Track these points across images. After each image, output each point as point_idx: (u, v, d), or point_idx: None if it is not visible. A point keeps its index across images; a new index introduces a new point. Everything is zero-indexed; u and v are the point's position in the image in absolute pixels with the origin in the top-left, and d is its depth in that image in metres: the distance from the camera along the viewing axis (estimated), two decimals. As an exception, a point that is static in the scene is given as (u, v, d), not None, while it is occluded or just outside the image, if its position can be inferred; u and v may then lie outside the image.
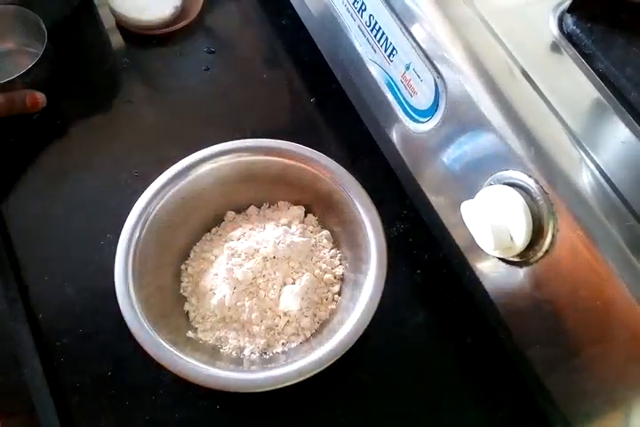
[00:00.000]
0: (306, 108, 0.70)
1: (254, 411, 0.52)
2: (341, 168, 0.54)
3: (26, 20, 0.65)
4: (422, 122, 0.50)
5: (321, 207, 0.58)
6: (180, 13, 0.75)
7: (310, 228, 0.58)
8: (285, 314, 0.52)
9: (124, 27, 0.74)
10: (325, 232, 0.57)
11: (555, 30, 0.43)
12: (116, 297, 0.48)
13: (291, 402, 0.53)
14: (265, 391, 0.46)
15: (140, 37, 0.74)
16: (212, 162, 0.55)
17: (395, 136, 0.55)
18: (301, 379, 0.46)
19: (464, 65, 0.43)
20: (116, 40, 0.74)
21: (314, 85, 0.71)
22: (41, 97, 0.63)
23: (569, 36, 0.42)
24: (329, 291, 0.54)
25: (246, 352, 0.51)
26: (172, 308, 0.54)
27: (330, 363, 0.46)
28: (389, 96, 0.54)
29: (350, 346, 0.46)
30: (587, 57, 0.41)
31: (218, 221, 0.59)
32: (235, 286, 0.52)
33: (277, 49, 0.74)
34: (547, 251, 0.39)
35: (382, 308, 0.48)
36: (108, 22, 0.75)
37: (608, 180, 0.36)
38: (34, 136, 0.66)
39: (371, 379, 0.54)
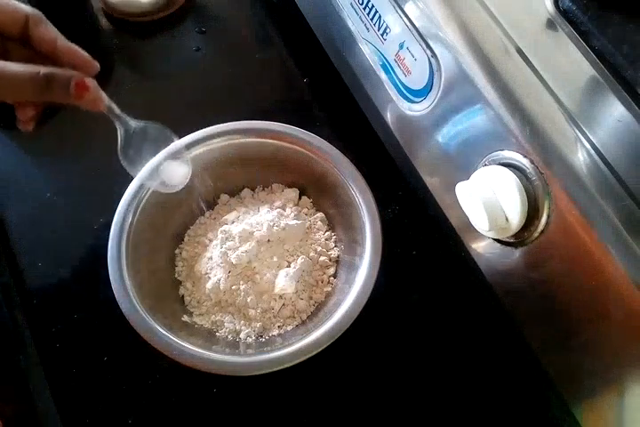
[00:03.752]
0: (299, 88, 0.69)
1: (251, 394, 0.53)
2: (335, 150, 0.53)
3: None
4: (416, 102, 0.49)
5: (315, 189, 0.58)
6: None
7: (305, 210, 0.57)
8: (281, 297, 0.52)
9: (115, 16, 0.73)
10: (320, 214, 0.57)
11: (550, 7, 0.42)
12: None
13: (287, 385, 0.53)
14: (262, 374, 0.46)
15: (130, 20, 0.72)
16: (205, 145, 0.54)
17: (389, 116, 0.55)
18: (298, 361, 0.46)
19: (458, 43, 0.43)
20: (106, 21, 0.73)
21: (307, 65, 0.70)
22: (92, 85, 0.40)
23: (564, 13, 0.41)
24: (324, 273, 0.54)
25: (242, 336, 0.51)
26: (167, 292, 0.54)
27: (326, 345, 0.46)
28: (383, 76, 0.53)
29: (346, 328, 0.46)
30: (583, 34, 0.40)
31: (211, 204, 0.59)
32: (229, 270, 0.51)
33: (269, 28, 0.73)
34: (542, 231, 0.39)
35: (378, 289, 0.48)
36: (95, 2, 0.74)
37: (604, 159, 0.36)
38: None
39: (367, 360, 0.54)
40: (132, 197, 0.52)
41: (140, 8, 0.71)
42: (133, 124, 0.45)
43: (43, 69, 0.38)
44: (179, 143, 0.49)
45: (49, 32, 0.41)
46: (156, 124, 0.46)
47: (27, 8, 0.40)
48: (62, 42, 0.41)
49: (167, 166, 0.49)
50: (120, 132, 0.45)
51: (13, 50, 0.42)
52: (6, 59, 0.38)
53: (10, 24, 0.40)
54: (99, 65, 0.42)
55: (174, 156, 0.49)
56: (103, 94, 0.42)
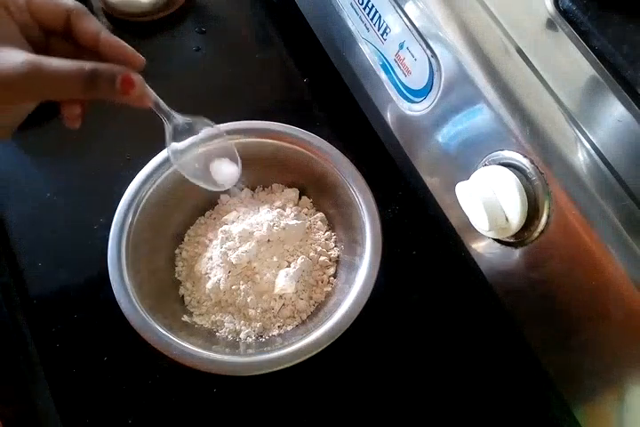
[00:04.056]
0: (299, 88, 0.69)
1: (251, 394, 0.53)
2: (335, 150, 0.53)
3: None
4: (417, 102, 0.49)
5: (315, 189, 0.58)
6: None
7: (305, 210, 0.57)
8: (281, 297, 0.52)
9: (115, 16, 0.73)
10: (320, 214, 0.57)
11: (550, 7, 0.42)
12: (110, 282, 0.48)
13: (287, 385, 0.53)
14: (262, 374, 0.46)
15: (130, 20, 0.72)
16: (205, 145, 0.54)
17: (389, 116, 0.55)
18: (298, 361, 0.46)
19: (458, 43, 0.43)
20: (106, 21, 0.73)
21: (307, 65, 0.70)
22: (138, 80, 0.38)
23: (564, 13, 0.41)
24: (324, 273, 0.54)
25: (242, 336, 0.51)
26: (167, 292, 0.54)
27: (326, 345, 0.46)
28: (383, 76, 0.53)
29: (346, 328, 0.47)
30: (583, 34, 0.40)
31: (211, 204, 0.59)
32: (229, 270, 0.51)
33: (269, 28, 0.73)
34: (542, 231, 0.39)
35: (378, 289, 0.48)
36: (95, 2, 0.74)
37: (604, 159, 0.36)
38: (24, 121, 0.65)
39: (367, 360, 0.54)
40: (131, 197, 0.52)
41: (139, 8, 0.71)
42: (180, 119, 0.44)
43: (88, 65, 0.36)
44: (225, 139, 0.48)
45: (92, 25, 0.39)
46: (203, 119, 0.45)
47: (69, 1, 0.39)
48: (105, 35, 0.39)
49: (217, 165, 0.48)
50: (167, 128, 0.44)
51: (56, 44, 0.40)
52: (48, 54, 0.36)
53: (52, 18, 0.39)
54: (144, 59, 0.40)
55: (224, 153, 0.48)
56: (149, 90, 0.40)
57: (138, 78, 0.38)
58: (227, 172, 0.48)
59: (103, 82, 0.37)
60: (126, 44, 0.40)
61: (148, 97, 0.40)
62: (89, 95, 0.37)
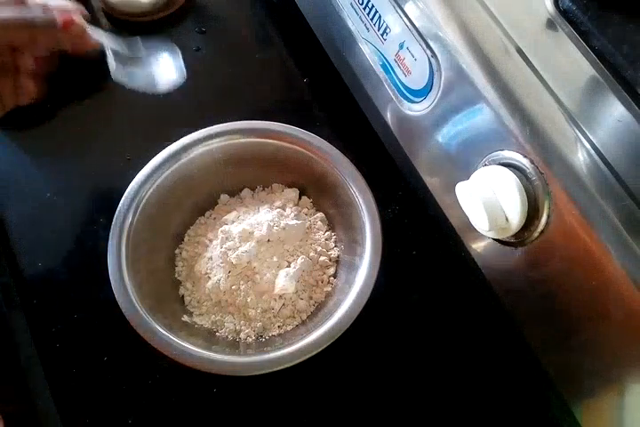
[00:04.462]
0: (299, 88, 0.69)
1: (251, 394, 0.53)
2: (335, 150, 0.53)
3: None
4: (417, 102, 0.49)
5: (315, 189, 0.58)
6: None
7: (305, 210, 0.57)
8: (281, 297, 0.52)
9: (114, 16, 0.72)
10: (320, 214, 0.57)
11: (550, 7, 0.42)
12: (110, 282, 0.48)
13: (287, 385, 0.53)
14: (262, 374, 0.46)
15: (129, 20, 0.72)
16: (205, 145, 0.54)
17: (389, 116, 0.55)
18: (298, 362, 0.46)
19: (458, 43, 0.43)
20: (106, 21, 0.73)
21: (307, 65, 0.70)
22: (77, 19, 0.42)
23: (564, 13, 0.41)
24: (324, 273, 0.54)
25: (242, 336, 0.51)
26: (167, 292, 0.54)
27: (326, 345, 0.46)
28: (383, 76, 0.53)
29: (346, 328, 0.46)
30: (583, 34, 0.40)
31: (211, 204, 0.59)
32: (229, 270, 0.51)
33: (269, 28, 0.73)
34: (542, 231, 0.39)
35: (378, 289, 0.48)
36: (95, 2, 0.73)
37: (604, 159, 0.36)
38: (24, 120, 0.65)
39: (367, 360, 0.54)
40: (132, 197, 0.52)
41: (139, 8, 0.71)
42: (124, 42, 0.47)
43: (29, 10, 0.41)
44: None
45: None
46: (149, 40, 0.48)
47: None
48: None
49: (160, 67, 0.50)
50: (109, 53, 0.46)
51: None
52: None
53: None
54: (84, 8, 0.44)
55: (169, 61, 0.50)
56: (90, 29, 0.43)
57: (78, 17, 0.42)
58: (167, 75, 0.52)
59: (42, 22, 0.42)
60: (69, 2, 0.45)
61: (88, 35, 0.44)
62: (30, 37, 0.42)
